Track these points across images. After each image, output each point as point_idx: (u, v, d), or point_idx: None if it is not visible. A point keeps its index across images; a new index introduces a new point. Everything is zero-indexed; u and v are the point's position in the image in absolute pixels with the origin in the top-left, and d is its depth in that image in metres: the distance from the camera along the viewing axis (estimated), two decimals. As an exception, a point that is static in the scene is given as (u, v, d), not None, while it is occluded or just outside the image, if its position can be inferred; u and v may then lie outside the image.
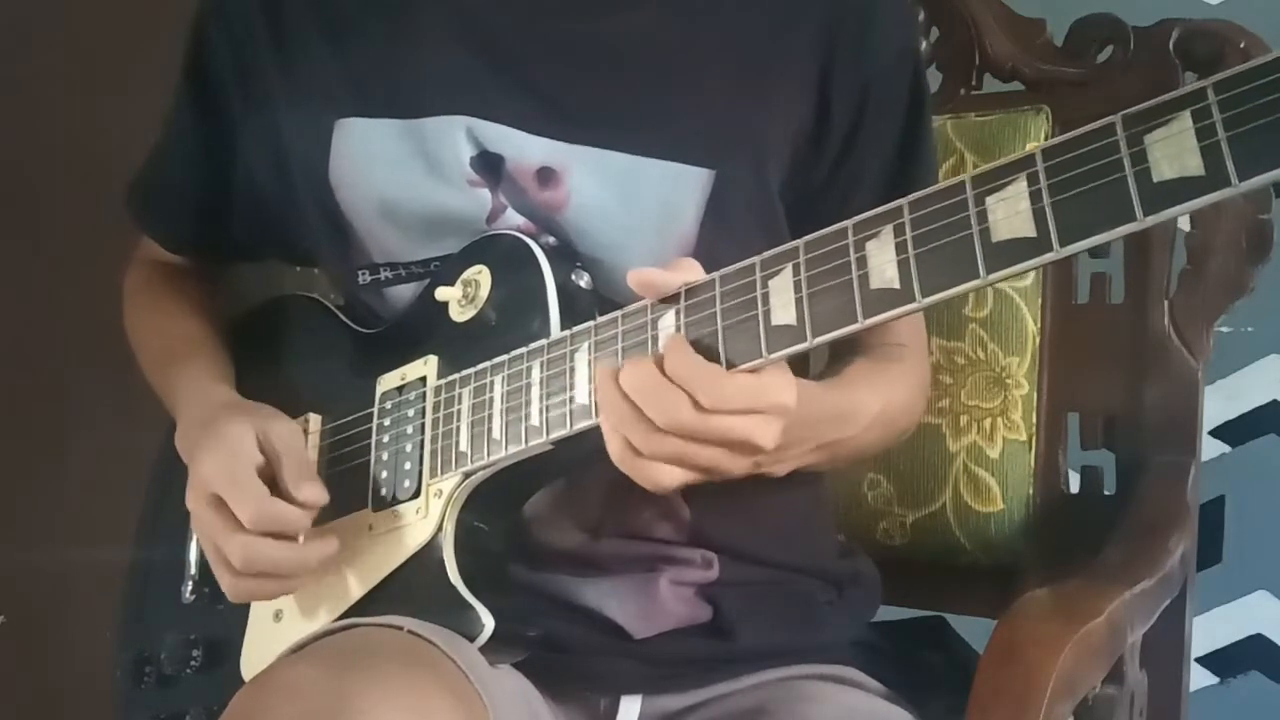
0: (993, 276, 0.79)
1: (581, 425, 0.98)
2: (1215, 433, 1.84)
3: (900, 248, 0.83)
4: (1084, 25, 1.41)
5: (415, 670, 0.93)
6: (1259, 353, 1.85)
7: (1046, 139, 1.37)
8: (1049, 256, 0.77)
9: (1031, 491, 1.37)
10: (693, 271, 0.94)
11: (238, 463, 1.07)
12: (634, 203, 1.09)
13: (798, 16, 1.13)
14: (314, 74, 1.17)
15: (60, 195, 1.79)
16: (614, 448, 0.93)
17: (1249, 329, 1.80)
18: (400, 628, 1.00)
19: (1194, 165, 0.71)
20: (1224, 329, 1.35)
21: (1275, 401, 1.86)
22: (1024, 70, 1.43)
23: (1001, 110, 1.42)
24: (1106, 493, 1.36)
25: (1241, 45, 1.31)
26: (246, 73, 1.20)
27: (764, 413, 0.92)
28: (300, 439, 1.12)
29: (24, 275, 1.78)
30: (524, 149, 1.10)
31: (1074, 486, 1.38)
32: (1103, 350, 1.37)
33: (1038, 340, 1.38)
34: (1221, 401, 1.84)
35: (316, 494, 1.08)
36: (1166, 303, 1.34)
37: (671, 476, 0.93)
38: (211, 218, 1.29)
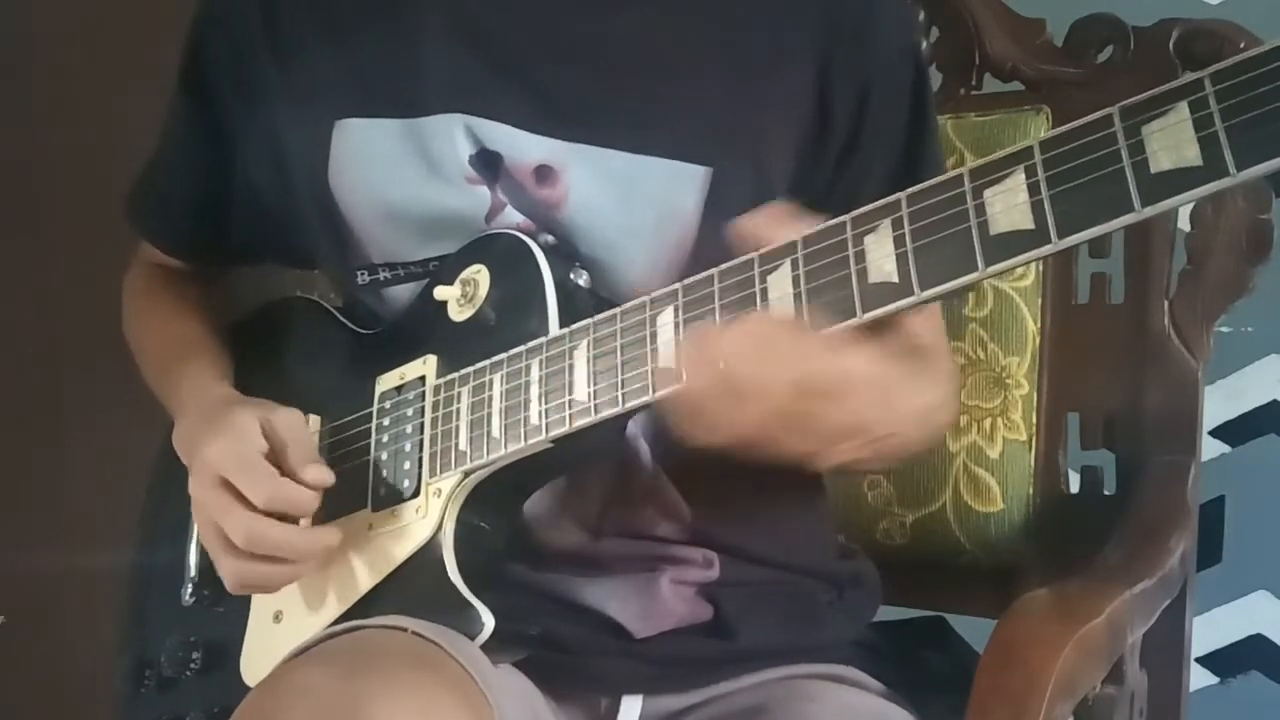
0: (991, 269, 0.79)
1: (581, 423, 0.98)
2: (1215, 433, 1.84)
3: (899, 241, 0.83)
4: (1084, 25, 1.41)
5: (423, 673, 0.93)
6: (1259, 353, 1.85)
7: (1046, 140, 1.39)
8: (1047, 249, 0.77)
9: (1031, 491, 1.37)
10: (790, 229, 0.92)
11: (245, 446, 1.06)
12: (632, 201, 1.09)
13: (794, 16, 1.12)
14: (312, 75, 1.16)
15: (61, 196, 1.79)
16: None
17: (1249, 329, 1.80)
18: (404, 629, 0.99)
19: (1192, 156, 0.71)
20: (1224, 329, 1.35)
21: (1275, 401, 1.86)
22: (1024, 70, 1.43)
23: (1001, 110, 1.42)
24: (1106, 493, 1.36)
25: (1241, 45, 1.30)
26: (244, 76, 1.20)
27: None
28: (303, 425, 1.11)
29: (24, 275, 1.79)
30: (522, 147, 1.10)
31: (1074, 486, 1.37)
32: (1103, 350, 1.36)
33: (1038, 340, 1.38)
34: (1221, 401, 1.83)
35: (321, 475, 1.07)
36: (1166, 303, 1.33)
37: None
38: (210, 223, 1.29)
